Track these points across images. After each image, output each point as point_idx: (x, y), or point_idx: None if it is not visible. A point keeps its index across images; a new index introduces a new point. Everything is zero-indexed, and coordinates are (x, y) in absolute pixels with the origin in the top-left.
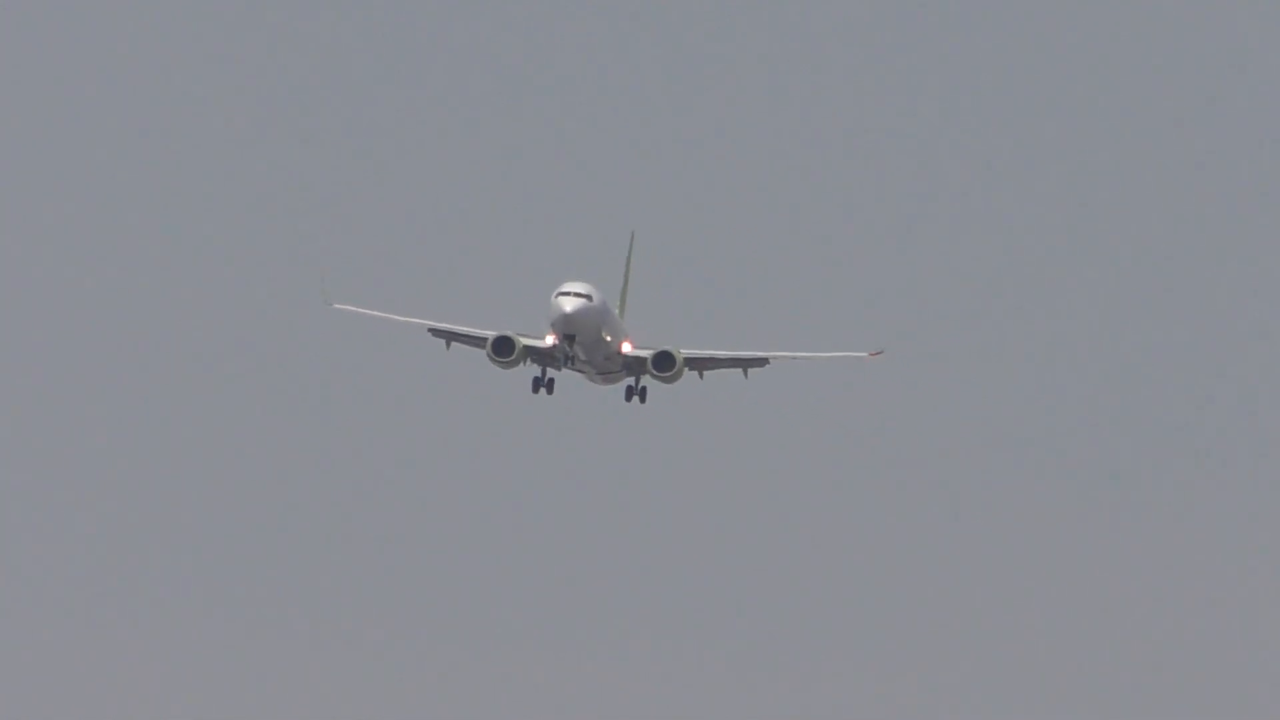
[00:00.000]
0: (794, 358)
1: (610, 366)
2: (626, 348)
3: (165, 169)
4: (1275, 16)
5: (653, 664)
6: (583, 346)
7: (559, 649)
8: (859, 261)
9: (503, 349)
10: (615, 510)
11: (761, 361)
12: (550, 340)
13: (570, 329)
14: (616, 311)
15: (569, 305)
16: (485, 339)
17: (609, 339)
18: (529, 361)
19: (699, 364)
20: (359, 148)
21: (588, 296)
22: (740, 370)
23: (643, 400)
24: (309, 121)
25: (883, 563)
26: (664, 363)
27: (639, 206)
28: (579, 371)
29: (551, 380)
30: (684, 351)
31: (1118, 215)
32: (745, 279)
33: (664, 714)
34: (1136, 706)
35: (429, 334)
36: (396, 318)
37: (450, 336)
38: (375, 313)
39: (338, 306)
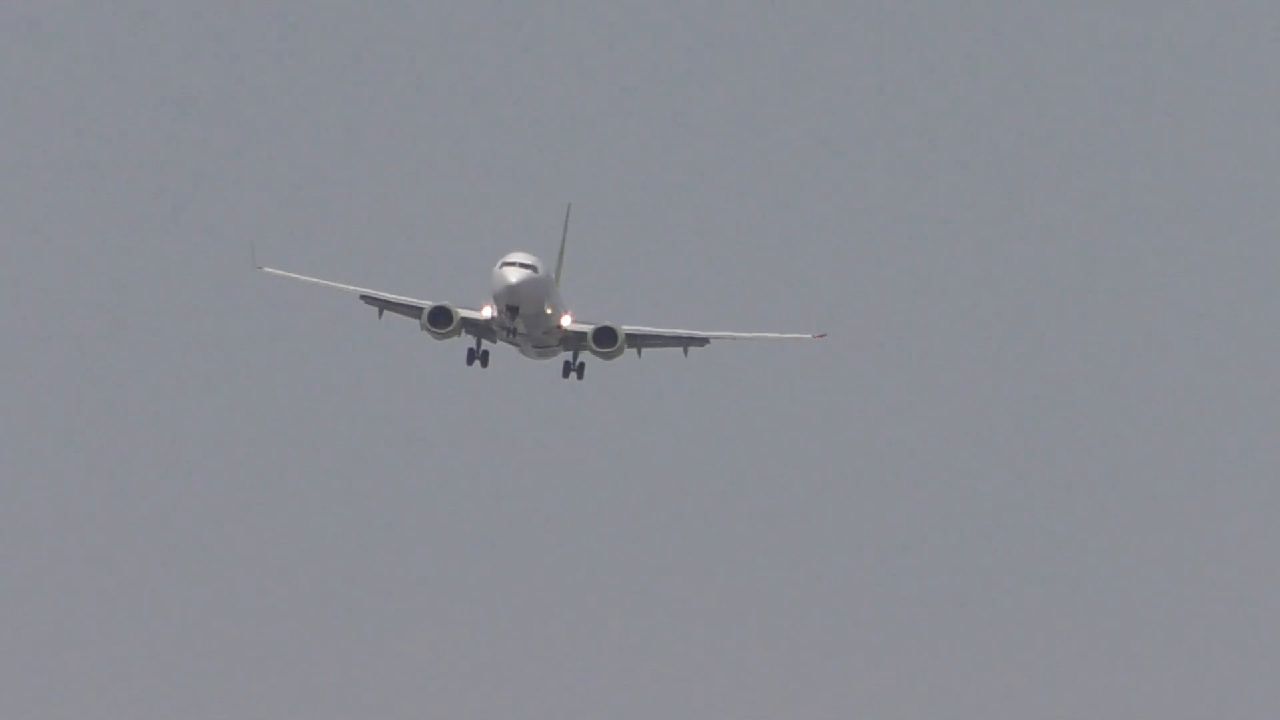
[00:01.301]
0: (736, 338)
1: (548, 341)
2: (566, 322)
3: (89, 127)
4: (1275, 16)
5: (582, 642)
6: (524, 319)
7: (488, 629)
8: (801, 242)
9: (440, 319)
10: (552, 487)
11: (702, 341)
12: (488, 312)
13: (514, 300)
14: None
15: (514, 276)
16: (421, 309)
17: (549, 312)
18: (464, 333)
19: (639, 341)
20: (295, 109)
21: (533, 268)
22: (680, 349)
23: (580, 376)
24: (245, 82)
25: (822, 545)
26: (605, 339)
27: (578, 178)
28: (513, 345)
29: (486, 353)
30: (625, 328)
31: (1064, 189)
32: (684, 256)
33: (601, 693)
34: (1120, 690)
35: (361, 301)
36: (328, 283)
37: (383, 305)
38: (305, 278)
39: (267, 270)
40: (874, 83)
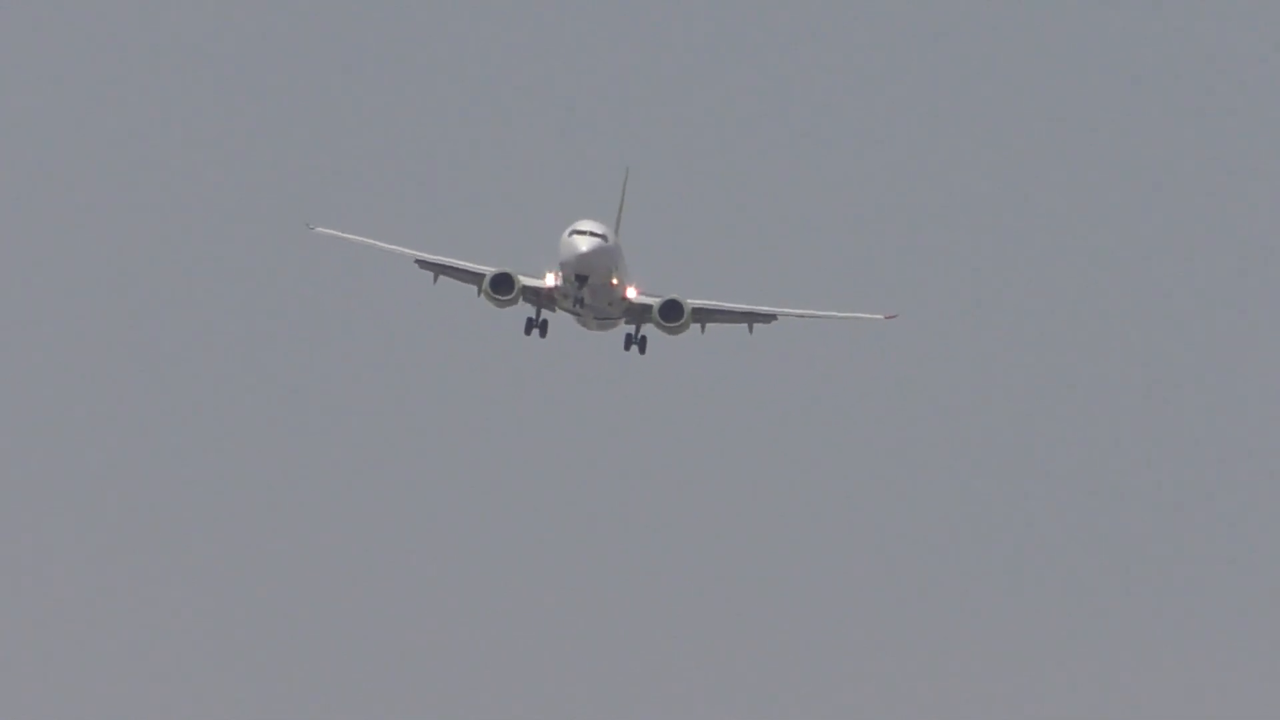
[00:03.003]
0: (805, 315)
1: (612, 313)
2: (631, 293)
3: (141, 90)
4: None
5: (643, 630)
6: (591, 289)
7: (547, 612)
8: (875, 219)
9: (502, 286)
10: (610, 463)
11: (770, 317)
12: (551, 280)
13: (584, 269)
14: None
15: (585, 245)
16: (481, 274)
17: (616, 283)
18: (522, 302)
19: (704, 316)
20: (351, 72)
21: (603, 236)
22: (745, 326)
23: (642, 350)
24: (302, 46)
25: (887, 536)
26: (672, 312)
27: (642, 145)
28: (574, 314)
29: (545, 322)
30: (690, 302)
31: (1139, 180)
32: (751, 230)
33: (661, 682)
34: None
35: (416, 265)
36: (382, 245)
37: (439, 269)
38: (359, 238)
39: (320, 230)
40: (948, 59)
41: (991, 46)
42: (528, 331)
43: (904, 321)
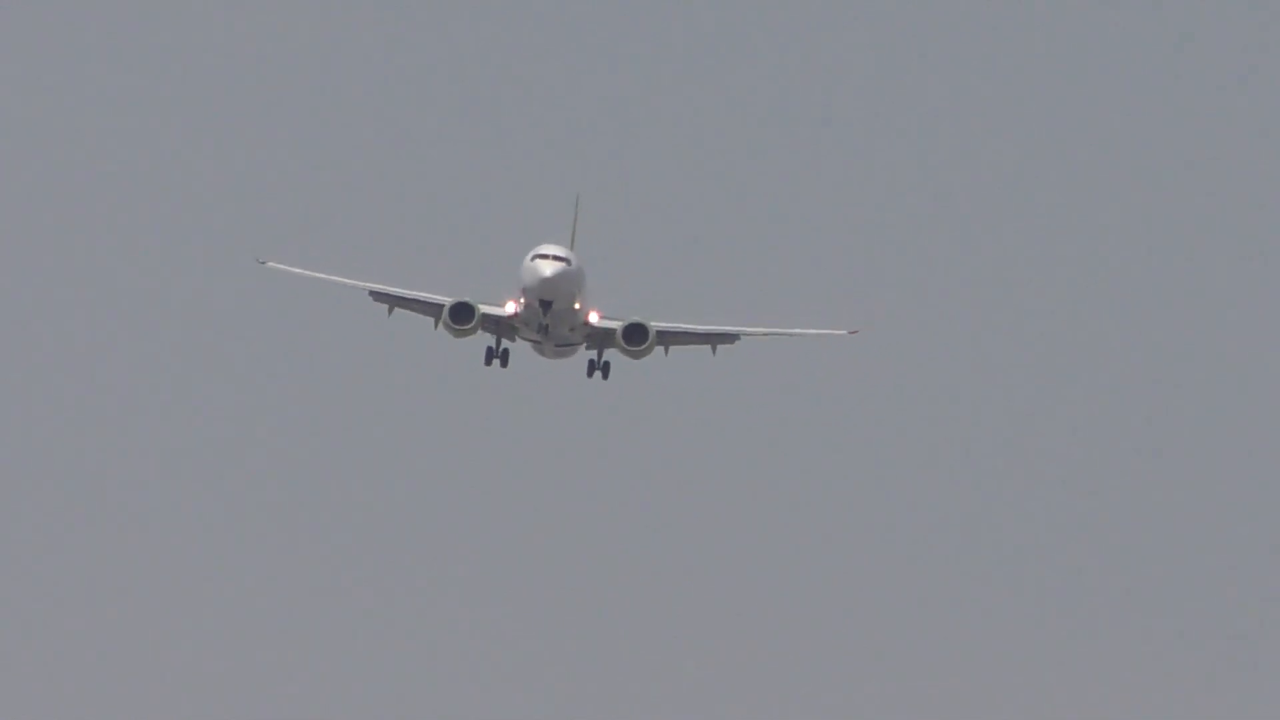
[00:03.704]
0: (768, 334)
1: (574, 338)
2: (594, 318)
3: (90, 121)
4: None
5: (613, 652)
6: (555, 315)
7: (519, 637)
8: (831, 235)
9: (462, 316)
10: (580, 492)
11: (733, 337)
12: (512, 307)
13: (549, 294)
14: None
15: (549, 269)
16: (437, 305)
17: (578, 308)
18: (481, 331)
19: (667, 338)
20: (298, 104)
21: (567, 260)
22: (709, 347)
23: (605, 375)
24: (246, 73)
25: (860, 550)
26: (636, 336)
27: (594, 170)
28: (534, 342)
29: (506, 351)
30: (654, 324)
31: (1090, 190)
32: (706, 251)
33: (627, 697)
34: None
35: (370, 298)
36: (335, 278)
37: (395, 301)
38: (311, 273)
39: (271, 265)
40: (905, 72)
41: (947, 64)
42: (488, 361)
43: (867, 336)
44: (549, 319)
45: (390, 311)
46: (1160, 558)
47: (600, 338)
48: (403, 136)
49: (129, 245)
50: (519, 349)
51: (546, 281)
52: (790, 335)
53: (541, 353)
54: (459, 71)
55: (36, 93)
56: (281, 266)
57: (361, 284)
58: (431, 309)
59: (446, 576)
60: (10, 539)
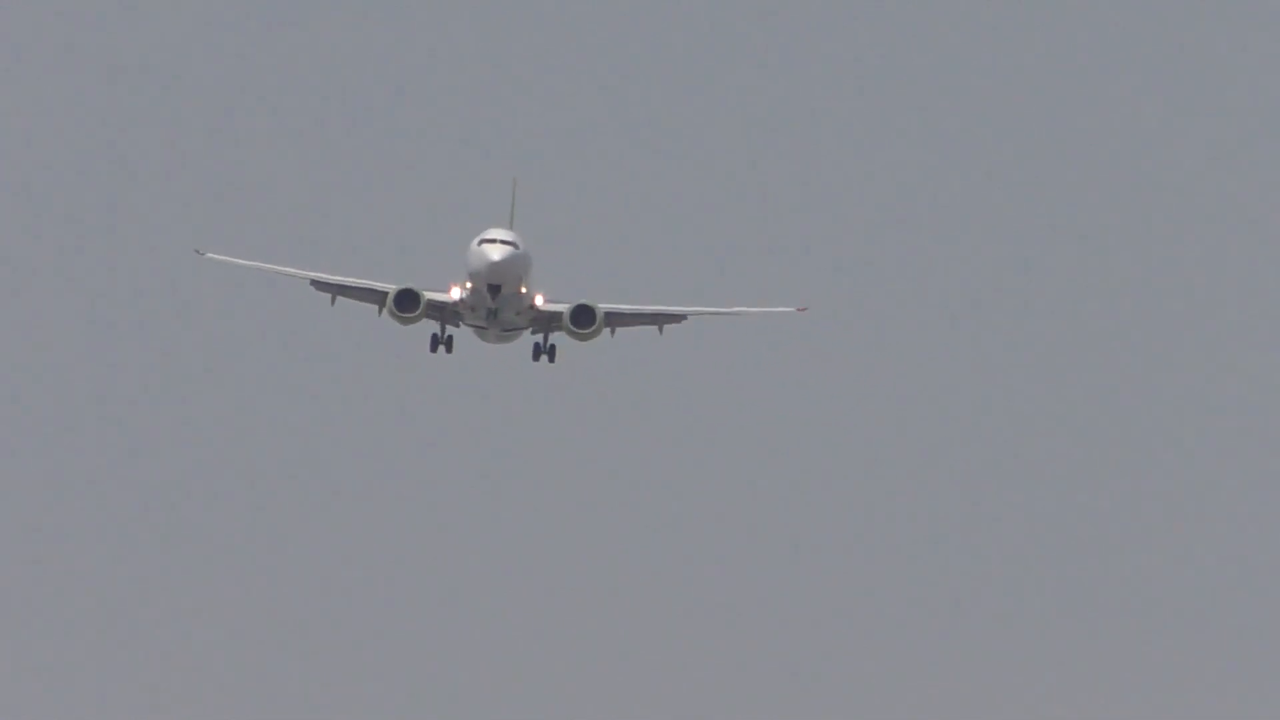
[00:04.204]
0: (715, 313)
1: (519, 322)
2: (539, 301)
3: (22, 112)
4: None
5: (569, 642)
6: (503, 300)
7: (477, 633)
8: (774, 209)
9: (406, 303)
10: (534, 478)
11: (679, 317)
12: (457, 293)
13: (497, 279)
14: None
15: (497, 253)
16: (382, 292)
17: (524, 291)
18: (426, 318)
19: (613, 320)
20: (232, 90)
21: (514, 244)
22: (655, 327)
23: (551, 359)
24: (184, 65)
25: (820, 532)
26: (583, 318)
27: (527, 151)
28: (476, 327)
29: (450, 338)
30: (601, 306)
31: (1042, 162)
32: (644, 229)
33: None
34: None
35: (312, 287)
36: (275, 268)
37: (337, 290)
38: (251, 263)
39: (210, 256)
40: (843, 48)
41: (888, 37)
42: (433, 349)
43: (817, 313)
44: (497, 303)
45: (333, 301)
46: (1128, 537)
47: (546, 321)
48: (334, 124)
49: (60, 240)
50: (461, 335)
51: (495, 266)
52: (739, 314)
53: (485, 338)
54: (390, 55)
55: None
56: (221, 257)
57: (302, 273)
58: (375, 296)
59: (403, 568)
60: None
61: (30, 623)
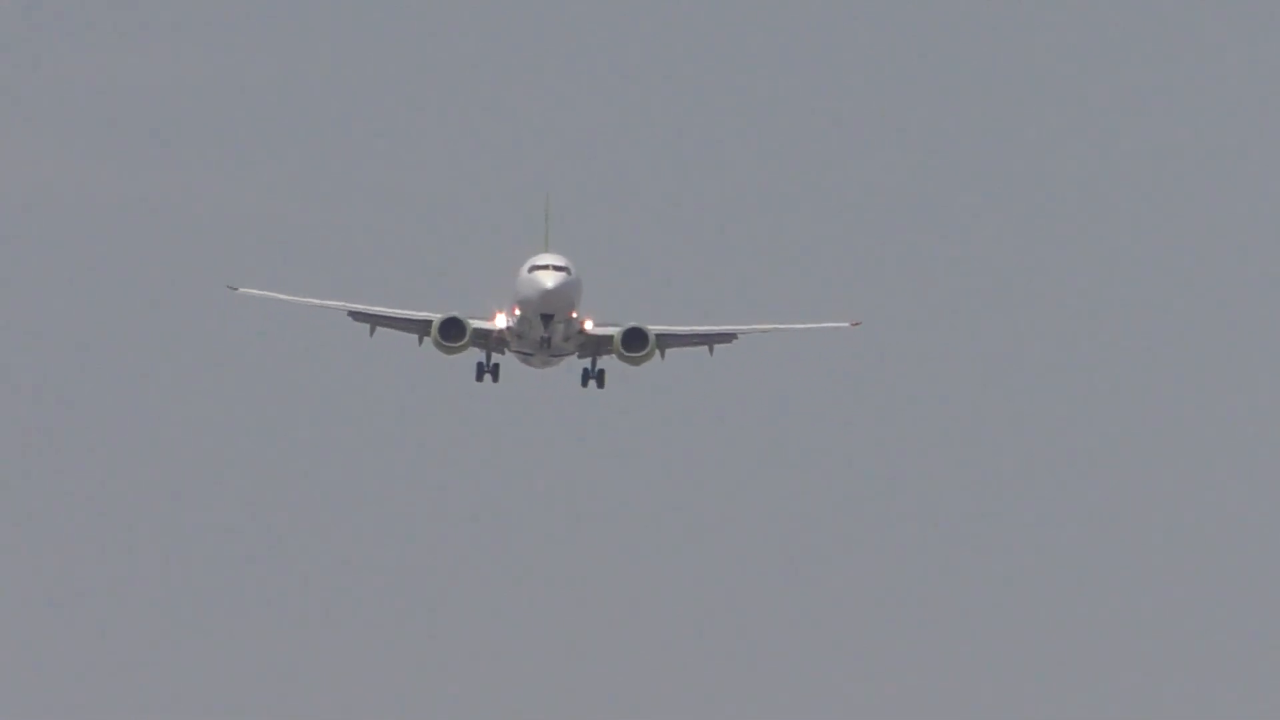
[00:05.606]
0: (766, 330)
1: (567, 348)
2: (589, 326)
3: (53, 146)
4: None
5: (625, 661)
6: (554, 326)
7: (531, 653)
8: (815, 225)
9: (453, 332)
10: (592, 506)
11: (730, 336)
12: (503, 321)
13: (550, 308)
14: None
15: (550, 280)
16: (422, 322)
17: (574, 316)
18: (472, 346)
19: (664, 342)
20: (259, 127)
21: (566, 269)
22: (705, 347)
23: (600, 384)
24: (215, 103)
25: (877, 552)
26: (635, 341)
27: (563, 172)
28: (523, 354)
29: (496, 366)
30: (651, 328)
31: (1088, 178)
32: (686, 247)
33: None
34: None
35: (350, 318)
36: (310, 301)
37: (377, 321)
38: (285, 296)
39: (243, 291)
40: (893, 59)
41: (938, 52)
42: (479, 377)
43: (871, 327)
44: (549, 331)
45: (372, 332)
46: (1178, 553)
47: (594, 345)
48: (360, 156)
49: (96, 282)
50: (505, 361)
51: (548, 294)
52: (791, 331)
53: (530, 364)
54: (421, 87)
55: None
56: (254, 292)
57: (340, 304)
58: (416, 326)
59: (460, 594)
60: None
61: (84, 638)
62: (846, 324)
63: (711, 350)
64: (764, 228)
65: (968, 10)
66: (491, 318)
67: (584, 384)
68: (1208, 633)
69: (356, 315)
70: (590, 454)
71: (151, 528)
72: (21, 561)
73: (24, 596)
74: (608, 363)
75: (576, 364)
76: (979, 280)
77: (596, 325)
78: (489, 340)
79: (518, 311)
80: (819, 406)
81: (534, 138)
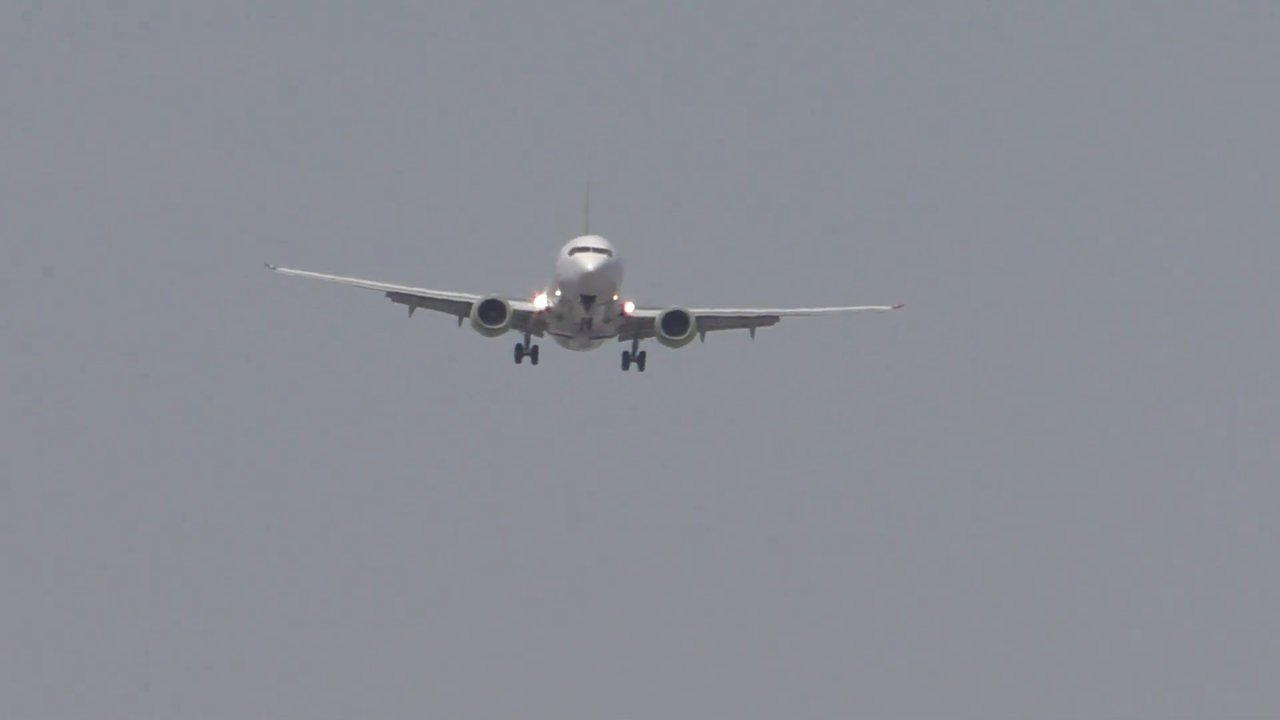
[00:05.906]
0: (809, 314)
1: (607, 330)
2: (630, 308)
3: (93, 128)
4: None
5: (664, 652)
6: (596, 309)
7: (567, 641)
8: (849, 211)
9: (492, 314)
10: (636, 490)
11: (772, 319)
12: (542, 303)
13: (591, 290)
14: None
15: (591, 262)
16: (461, 304)
17: (615, 299)
18: (511, 328)
19: (705, 324)
20: (296, 111)
21: (608, 251)
22: (747, 330)
23: (641, 367)
24: (250, 83)
25: (913, 542)
26: (676, 324)
27: (603, 155)
28: (560, 336)
29: (535, 348)
30: (692, 310)
31: (1121, 160)
32: (724, 230)
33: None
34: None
35: (389, 299)
36: (349, 280)
37: (416, 302)
38: (323, 275)
39: (281, 270)
40: (923, 43)
41: (969, 38)
42: (518, 359)
43: (913, 309)
44: (590, 313)
45: (410, 313)
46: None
47: (635, 328)
48: (397, 135)
49: (133, 261)
50: (544, 343)
51: (589, 276)
52: (832, 314)
53: (568, 346)
54: (460, 66)
55: (41, 102)
56: (293, 271)
57: (379, 285)
58: (455, 308)
59: (498, 577)
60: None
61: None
62: (889, 306)
63: (753, 333)
64: (807, 210)
65: None
66: (531, 299)
67: (624, 367)
68: (1208, 633)
69: (395, 296)
70: (630, 438)
71: (190, 509)
72: (75, 545)
73: (82, 573)
74: (648, 345)
75: (616, 347)
76: (1023, 263)
77: (638, 308)
78: (528, 322)
79: (558, 293)
80: (861, 390)
81: (576, 120)
